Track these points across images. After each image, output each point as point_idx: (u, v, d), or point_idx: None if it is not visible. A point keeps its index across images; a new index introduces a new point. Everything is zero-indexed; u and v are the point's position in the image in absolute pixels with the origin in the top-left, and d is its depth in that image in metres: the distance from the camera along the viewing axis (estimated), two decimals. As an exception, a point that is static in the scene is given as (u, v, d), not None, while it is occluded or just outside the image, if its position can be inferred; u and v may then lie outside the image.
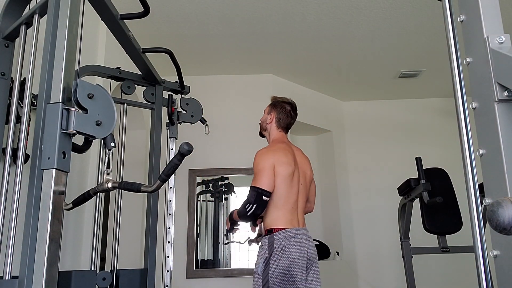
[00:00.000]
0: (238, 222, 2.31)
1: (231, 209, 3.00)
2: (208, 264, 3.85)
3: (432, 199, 2.76)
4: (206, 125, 2.56)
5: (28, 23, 1.49)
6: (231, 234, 2.52)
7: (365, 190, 4.73)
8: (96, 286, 1.90)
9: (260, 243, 2.20)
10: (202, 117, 2.59)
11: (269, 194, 2.09)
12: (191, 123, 2.61)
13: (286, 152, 2.21)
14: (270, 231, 2.12)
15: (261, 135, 2.47)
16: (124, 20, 1.76)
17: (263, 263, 2.05)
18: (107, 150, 1.45)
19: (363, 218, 4.66)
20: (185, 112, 2.58)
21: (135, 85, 2.28)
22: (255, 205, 2.06)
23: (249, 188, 2.14)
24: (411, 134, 4.85)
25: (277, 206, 2.13)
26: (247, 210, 2.07)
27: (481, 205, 0.95)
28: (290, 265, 2.04)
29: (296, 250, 2.07)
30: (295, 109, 2.39)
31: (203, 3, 2.95)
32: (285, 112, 2.35)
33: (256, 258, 2.15)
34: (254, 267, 2.12)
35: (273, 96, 2.46)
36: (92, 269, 1.97)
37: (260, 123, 2.44)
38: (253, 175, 2.17)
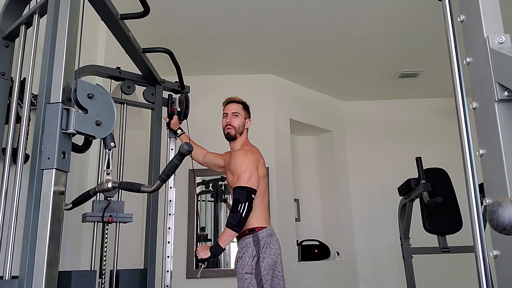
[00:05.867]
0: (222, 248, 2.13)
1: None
2: (208, 264, 3.84)
3: (432, 199, 2.76)
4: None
5: (28, 23, 1.49)
6: (202, 265, 2.22)
7: (365, 190, 4.73)
8: (103, 194, 1.98)
9: (242, 243, 2.20)
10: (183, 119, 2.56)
11: (255, 192, 2.14)
12: (181, 121, 2.59)
13: (260, 154, 2.33)
14: (252, 230, 2.17)
15: (231, 138, 2.40)
16: (124, 20, 1.76)
17: (253, 261, 2.08)
18: (107, 150, 1.45)
19: (363, 218, 4.66)
20: (179, 110, 2.57)
21: (135, 85, 2.28)
22: (247, 203, 2.07)
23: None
24: (411, 134, 4.85)
25: (255, 206, 2.18)
26: (241, 211, 2.05)
27: (481, 205, 0.95)
28: (276, 260, 2.13)
29: (277, 247, 2.18)
30: None
31: (203, 3, 2.94)
32: None
33: (238, 259, 2.16)
34: (239, 268, 2.12)
35: (242, 99, 2.47)
36: (92, 269, 1.97)
37: (233, 127, 2.37)
38: None
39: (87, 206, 2.18)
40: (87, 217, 1.95)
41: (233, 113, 2.40)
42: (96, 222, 2.01)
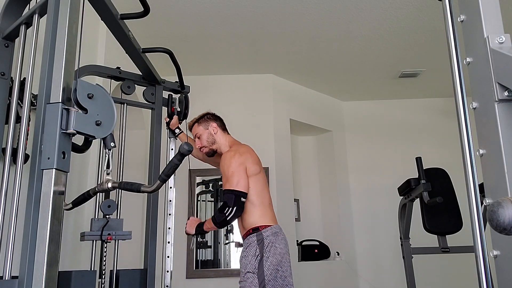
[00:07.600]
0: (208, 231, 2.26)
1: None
2: (208, 264, 3.85)
3: (432, 199, 2.76)
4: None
5: (28, 23, 1.49)
6: (193, 238, 2.43)
7: (365, 190, 4.73)
8: (102, 212, 1.98)
9: (246, 242, 2.19)
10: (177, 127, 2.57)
11: (245, 195, 2.13)
12: (181, 121, 2.59)
13: (251, 152, 2.29)
14: (256, 229, 2.14)
15: (211, 154, 2.44)
16: (124, 20, 1.76)
17: (256, 261, 2.06)
18: (107, 150, 1.45)
19: (363, 218, 4.66)
20: (178, 110, 2.57)
21: (135, 85, 2.28)
22: (235, 208, 2.08)
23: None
24: (411, 134, 4.85)
25: (255, 205, 2.17)
26: (227, 214, 2.07)
27: (481, 205, 0.95)
28: (281, 260, 2.09)
29: (283, 246, 2.14)
30: None
31: (203, 3, 2.94)
32: (215, 116, 2.46)
33: (241, 258, 2.15)
34: (241, 268, 2.12)
35: (196, 116, 2.47)
36: (92, 269, 1.97)
37: (204, 147, 2.41)
38: None
39: (87, 206, 2.18)
40: (85, 236, 1.94)
41: (195, 135, 2.46)
42: (94, 240, 2.01)
